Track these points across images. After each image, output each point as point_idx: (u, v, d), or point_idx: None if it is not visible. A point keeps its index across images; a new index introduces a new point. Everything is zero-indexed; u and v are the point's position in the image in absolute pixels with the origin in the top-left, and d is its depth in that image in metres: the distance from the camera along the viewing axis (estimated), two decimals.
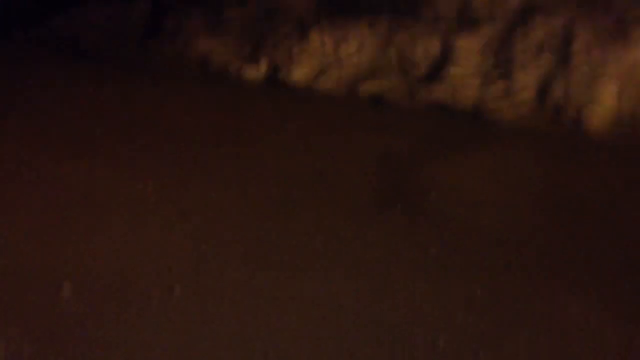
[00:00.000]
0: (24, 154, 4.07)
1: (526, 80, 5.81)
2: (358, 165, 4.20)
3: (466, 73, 6.14)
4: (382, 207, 3.47)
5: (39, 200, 3.34)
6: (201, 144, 4.52)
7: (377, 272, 2.77)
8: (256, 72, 7.10)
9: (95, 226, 3.05)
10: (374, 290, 2.63)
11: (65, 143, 4.37)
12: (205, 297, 2.51)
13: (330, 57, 6.84)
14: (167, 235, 3.00)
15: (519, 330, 2.48)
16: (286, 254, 2.92)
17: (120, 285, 2.55)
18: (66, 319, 2.35)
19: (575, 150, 5.03)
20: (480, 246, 3.07)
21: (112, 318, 2.39)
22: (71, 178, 3.66)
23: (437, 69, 6.27)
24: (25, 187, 3.54)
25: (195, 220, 3.17)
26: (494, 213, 3.45)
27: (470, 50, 6.25)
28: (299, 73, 6.83)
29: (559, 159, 4.68)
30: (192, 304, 2.49)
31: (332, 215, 3.35)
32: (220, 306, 2.45)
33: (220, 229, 3.12)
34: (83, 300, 2.46)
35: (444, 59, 6.33)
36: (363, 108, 6.13)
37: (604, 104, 5.47)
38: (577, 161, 4.73)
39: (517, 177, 4.14)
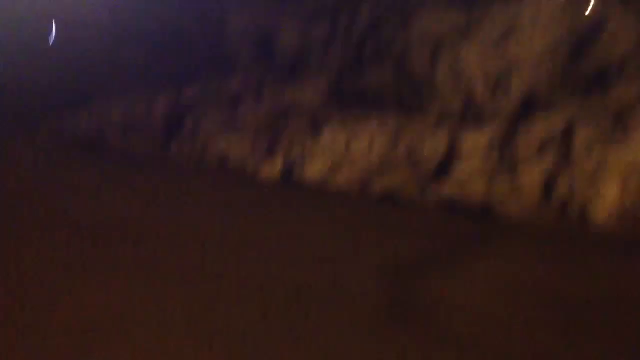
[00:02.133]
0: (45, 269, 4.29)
1: (531, 177, 6.03)
2: (366, 275, 4.38)
3: (473, 169, 6.38)
4: (388, 324, 3.63)
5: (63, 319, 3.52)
6: (217, 255, 4.73)
7: None
8: (271, 169, 7.39)
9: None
10: None
11: (81, 253, 4.59)
12: None
13: (342, 154, 7.12)
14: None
15: None
16: None
17: None
18: None
19: (581, 248, 5.19)
20: None
21: None
22: (91, 293, 3.85)
23: (445, 165, 6.52)
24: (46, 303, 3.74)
25: (220, 343, 3.34)
26: (497, 329, 3.59)
27: (475, 147, 6.50)
28: (313, 170, 7.10)
29: (564, 261, 4.84)
30: None
31: (339, 334, 3.49)
32: None
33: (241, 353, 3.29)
34: None
35: (451, 155, 6.58)
36: (374, 206, 6.36)
37: (607, 198, 5.66)
38: (582, 261, 4.88)
39: (522, 286, 4.30)
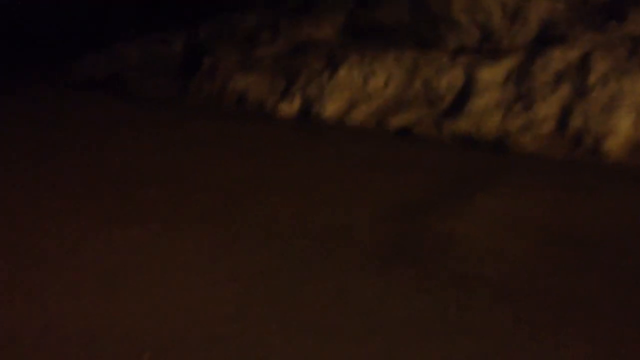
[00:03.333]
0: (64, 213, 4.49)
1: (546, 110, 6.07)
2: (378, 211, 4.52)
3: (489, 103, 6.42)
4: (397, 261, 3.77)
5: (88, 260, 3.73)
6: (238, 194, 4.90)
7: (386, 334, 3.08)
8: (289, 107, 7.49)
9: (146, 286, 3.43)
10: (382, 354, 2.94)
11: (102, 197, 4.79)
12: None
13: (359, 91, 7.18)
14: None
15: None
16: (296, 314, 3.23)
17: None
18: None
19: (592, 180, 5.26)
20: (491, 302, 3.37)
21: None
22: (114, 236, 4.05)
23: (461, 101, 6.57)
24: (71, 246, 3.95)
25: (242, 280, 3.53)
26: (507, 266, 3.72)
27: (492, 81, 6.53)
28: (330, 107, 7.20)
29: (575, 194, 4.92)
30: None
31: (347, 270, 3.65)
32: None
33: (259, 289, 3.48)
34: None
35: (467, 90, 6.62)
36: (390, 142, 6.46)
37: (621, 131, 5.70)
38: (592, 194, 4.95)
39: (531, 221, 4.40)
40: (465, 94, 6.61)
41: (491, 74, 6.57)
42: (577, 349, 2.96)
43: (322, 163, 5.77)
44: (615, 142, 5.70)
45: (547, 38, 6.54)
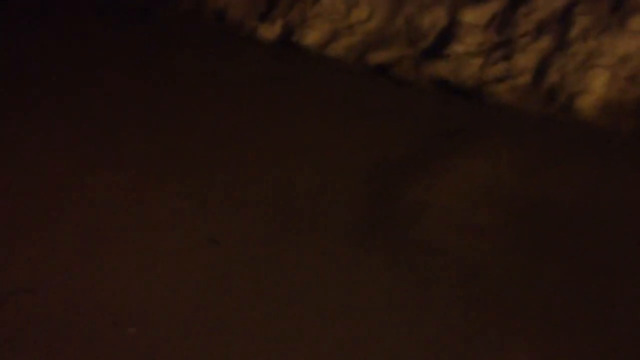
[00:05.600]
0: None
1: (525, 63, 6.14)
2: (353, 168, 4.65)
3: (469, 49, 6.46)
4: (368, 234, 3.93)
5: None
6: (214, 132, 4.98)
7: (353, 311, 3.29)
8: (270, 31, 7.42)
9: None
10: (354, 329, 3.16)
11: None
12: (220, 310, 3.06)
13: (342, 22, 7.13)
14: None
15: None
16: (268, 289, 3.43)
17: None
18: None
19: (566, 142, 5.42)
20: (459, 278, 3.59)
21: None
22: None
23: (443, 43, 6.59)
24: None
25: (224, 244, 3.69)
26: (478, 241, 3.92)
27: (474, 25, 6.54)
28: (312, 37, 7.15)
29: (550, 156, 5.06)
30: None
31: (316, 246, 3.81)
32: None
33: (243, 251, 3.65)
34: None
35: (449, 32, 6.63)
36: (368, 80, 6.50)
37: (594, 92, 5.83)
38: (567, 156, 5.10)
39: (503, 188, 4.58)
40: (447, 35, 6.62)
41: (474, 17, 6.57)
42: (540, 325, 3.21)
43: (297, 106, 5.80)
44: (588, 101, 5.84)
45: None
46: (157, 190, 4.24)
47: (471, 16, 6.56)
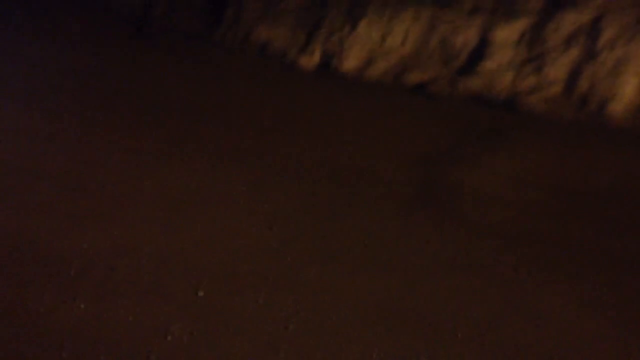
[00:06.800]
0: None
1: (555, 74, 6.43)
2: (398, 158, 4.98)
3: (502, 63, 6.78)
4: (415, 204, 4.23)
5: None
6: (269, 137, 5.30)
7: (404, 268, 3.54)
8: (310, 59, 7.84)
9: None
10: (401, 284, 3.39)
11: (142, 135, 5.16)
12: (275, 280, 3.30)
13: (377, 49, 7.52)
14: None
15: (512, 319, 3.22)
16: (330, 251, 3.68)
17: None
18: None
19: (596, 142, 5.67)
20: (496, 246, 3.82)
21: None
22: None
23: (475, 60, 6.92)
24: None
25: (279, 225, 3.96)
26: (513, 214, 4.16)
27: (506, 41, 6.87)
28: (349, 63, 7.54)
29: (580, 152, 5.34)
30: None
31: (370, 215, 4.10)
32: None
33: (291, 226, 3.91)
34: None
35: (481, 49, 6.97)
36: (406, 98, 6.84)
37: (625, 97, 6.08)
38: (596, 152, 5.37)
39: (537, 175, 4.83)
40: (479, 53, 6.96)
41: (504, 35, 6.90)
42: (566, 288, 3.44)
43: (343, 112, 6.16)
44: (619, 106, 6.08)
45: (559, 1, 6.85)
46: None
47: (501, 35, 6.90)
